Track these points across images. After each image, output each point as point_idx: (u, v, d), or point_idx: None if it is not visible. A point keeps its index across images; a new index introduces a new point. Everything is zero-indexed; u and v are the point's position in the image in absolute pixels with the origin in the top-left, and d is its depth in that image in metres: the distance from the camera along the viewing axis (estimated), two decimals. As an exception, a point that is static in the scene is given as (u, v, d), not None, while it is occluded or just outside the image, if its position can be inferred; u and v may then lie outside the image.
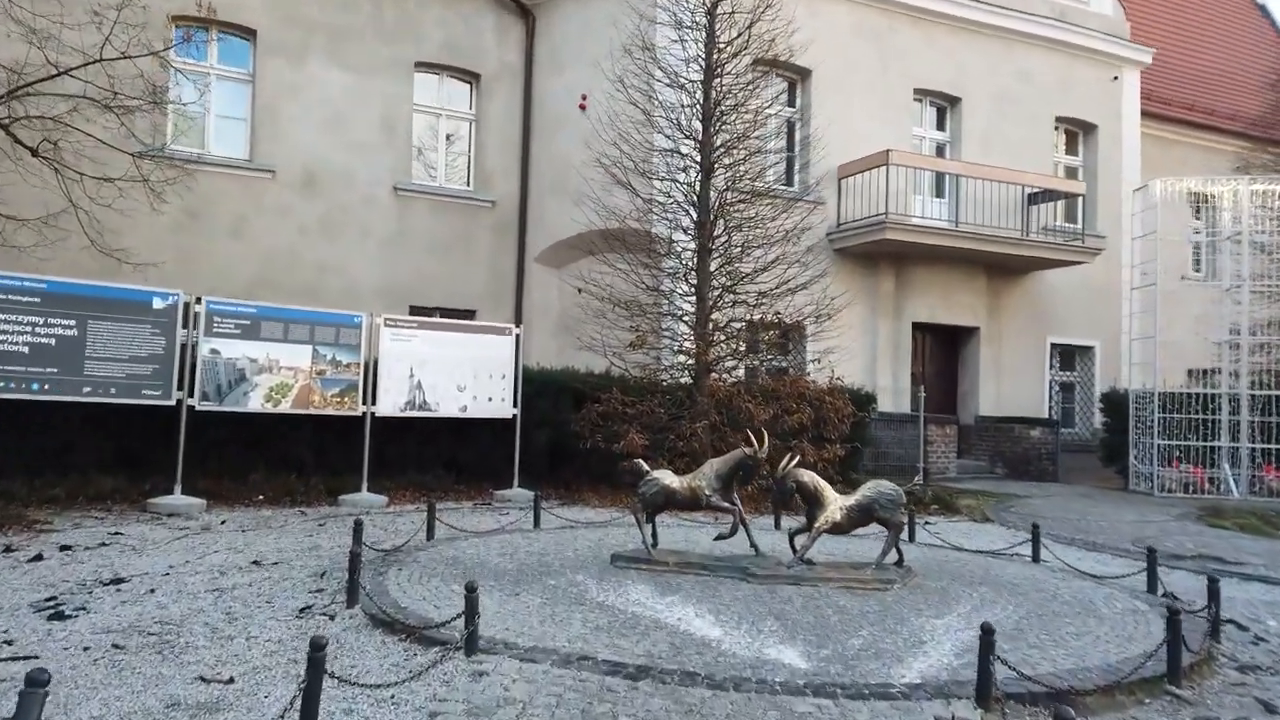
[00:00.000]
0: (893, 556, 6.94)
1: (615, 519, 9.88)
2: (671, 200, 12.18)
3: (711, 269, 12.09)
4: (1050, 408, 19.73)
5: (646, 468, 7.28)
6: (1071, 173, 19.99)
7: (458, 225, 16.66)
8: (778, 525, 6.88)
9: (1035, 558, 8.03)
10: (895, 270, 17.55)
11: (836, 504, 6.71)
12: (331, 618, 5.48)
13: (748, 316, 12.14)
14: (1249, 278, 14.93)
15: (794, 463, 6.80)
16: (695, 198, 12.04)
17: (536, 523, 9.17)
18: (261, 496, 10.48)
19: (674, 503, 7.09)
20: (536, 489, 11.73)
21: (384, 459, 11.44)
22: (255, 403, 10.17)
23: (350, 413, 10.80)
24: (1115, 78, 19.92)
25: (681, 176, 12.15)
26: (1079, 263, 18.16)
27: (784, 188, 15.35)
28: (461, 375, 11.53)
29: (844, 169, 16.43)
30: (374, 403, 10.91)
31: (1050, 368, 19.72)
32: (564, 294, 16.31)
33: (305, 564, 7.09)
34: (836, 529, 6.75)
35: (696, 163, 12.07)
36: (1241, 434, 14.75)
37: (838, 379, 12.36)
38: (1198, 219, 19.62)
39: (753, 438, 6.98)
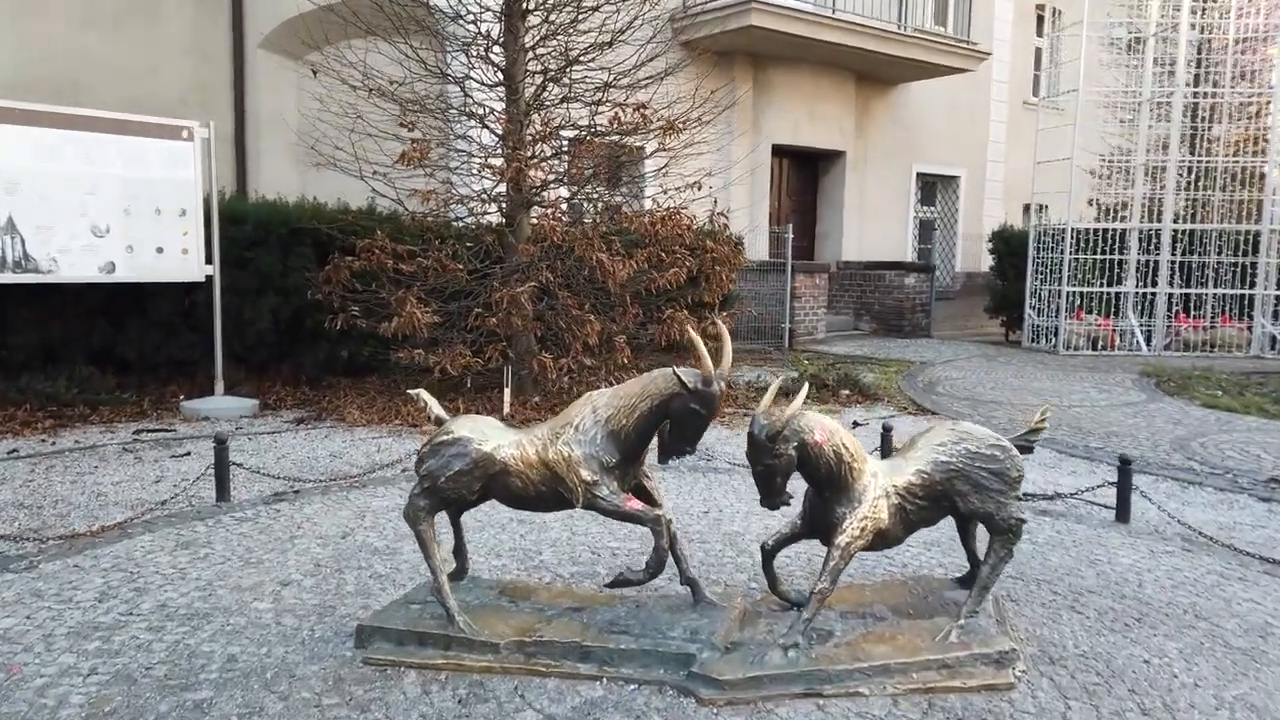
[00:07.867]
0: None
1: (385, 460, 5.74)
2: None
3: (528, 42, 7.69)
4: (913, 249, 17.00)
5: (439, 409, 3.15)
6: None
7: (132, -15, 11.05)
8: (777, 505, 2.84)
9: (1121, 515, 4.69)
10: (754, 74, 13.70)
11: (877, 485, 2.92)
12: None
13: (588, 120, 7.88)
14: (1184, 86, 12.14)
15: (799, 402, 2.87)
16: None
17: (222, 493, 4.75)
18: None
19: (504, 491, 3.03)
20: (257, 395, 7.38)
21: (-34, 359, 6.60)
22: None
23: None
24: None
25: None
26: (960, 70, 15.03)
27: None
28: (102, 209, 6.64)
29: (695, -73, 12.10)
30: (-84, 261, 5.95)
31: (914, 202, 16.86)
32: (307, 95, 11.28)
33: None
34: (881, 539, 2.99)
35: None
36: (1160, 278, 12.32)
37: (720, 214, 8.44)
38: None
39: (696, 343, 2.96)
